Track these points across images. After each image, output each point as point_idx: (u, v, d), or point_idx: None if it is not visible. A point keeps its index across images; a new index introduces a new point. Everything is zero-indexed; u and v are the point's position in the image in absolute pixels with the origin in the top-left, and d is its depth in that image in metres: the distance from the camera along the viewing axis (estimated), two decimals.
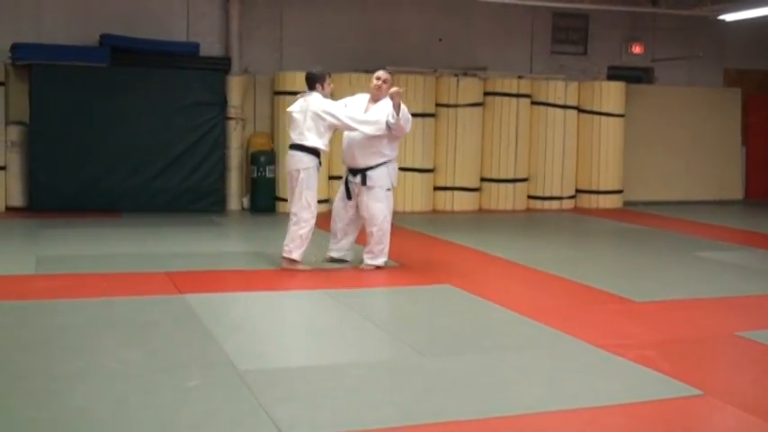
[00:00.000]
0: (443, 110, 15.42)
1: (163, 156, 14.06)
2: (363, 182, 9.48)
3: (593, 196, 16.67)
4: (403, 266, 9.83)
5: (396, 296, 8.64)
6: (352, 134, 9.51)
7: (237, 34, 14.92)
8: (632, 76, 18.18)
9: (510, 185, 16.03)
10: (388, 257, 9.69)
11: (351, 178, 9.63)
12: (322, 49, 15.56)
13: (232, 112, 14.65)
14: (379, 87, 9.49)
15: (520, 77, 16.16)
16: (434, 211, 15.41)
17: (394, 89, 9.25)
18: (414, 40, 16.30)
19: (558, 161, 16.35)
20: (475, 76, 15.71)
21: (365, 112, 9.51)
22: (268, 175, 14.56)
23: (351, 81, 14.58)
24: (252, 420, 4.86)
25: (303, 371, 5.74)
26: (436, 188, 15.58)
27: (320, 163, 9.47)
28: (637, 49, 18.17)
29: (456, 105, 15.45)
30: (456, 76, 15.52)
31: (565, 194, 16.49)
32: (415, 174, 15.13)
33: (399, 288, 8.91)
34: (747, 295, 8.77)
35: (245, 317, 7.47)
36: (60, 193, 13.58)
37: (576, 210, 16.37)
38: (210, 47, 14.96)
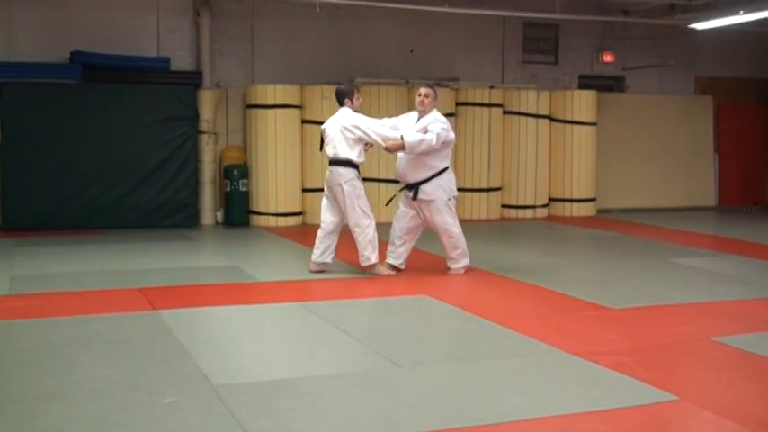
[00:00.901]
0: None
1: (136, 171, 14.03)
2: (415, 196, 9.82)
3: (567, 204, 16.74)
4: (378, 277, 9.84)
5: (372, 307, 8.63)
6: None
7: (208, 48, 14.91)
8: (603, 84, 18.28)
9: (483, 195, 16.07)
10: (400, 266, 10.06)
11: (406, 193, 10.01)
12: (293, 62, 15.58)
13: (204, 126, 14.64)
14: (422, 102, 9.92)
15: (492, 87, 16.23)
16: None
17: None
18: (385, 52, 16.34)
19: (531, 170, 16.41)
20: (447, 86, 15.74)
21: (417, 126, 9.86)
22: (241, 188, 14.55)
23: (323, 93, 14.63)
24: None
25: (279, 384, 5.73)
26: None
27: (359, 174, 9.80)
28: (608, 58, 18.27)
29: None
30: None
31: (538, 203, 16.55)
32: (389, 185, 15.07)
33: (375, 299, 8.91)
34: (722, 300, 8.81)
35: (219, 331, 7.44)
36: (34, 212, 13.51)
37: (549, 218, 16.43)
38: (181, 61, 14.93)
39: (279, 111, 14.57)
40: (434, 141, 9.60)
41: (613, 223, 15.48)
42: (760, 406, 5.50)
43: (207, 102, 14.66)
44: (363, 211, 9.78)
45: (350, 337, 7.10)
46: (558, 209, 16.78)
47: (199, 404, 5.31)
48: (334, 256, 10.13)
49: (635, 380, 5.88)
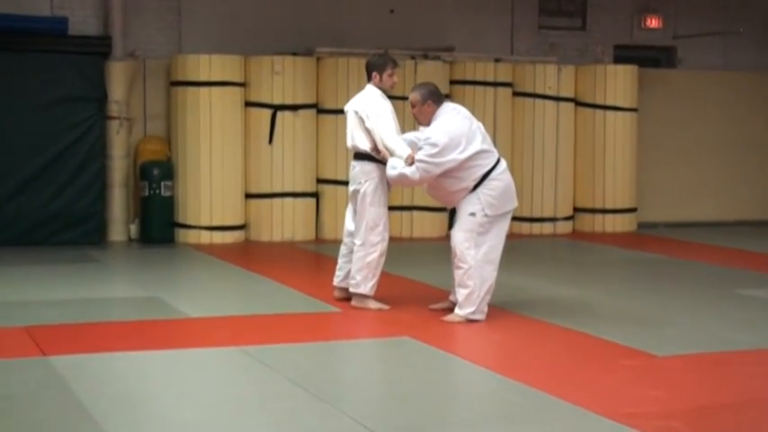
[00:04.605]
0: (397, 103, 15.37)
1: (20, 170, 13.96)
2: (450, 224, 9.83)
3: (598, 216, 16.79)
4: (345, 313, 9.82)
5: (339, 353, 8.62)
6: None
7: (120, 6, 14.82)
8: (647, 57, 18.36)
9: None
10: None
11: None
12: (235, 26, 15.55)
13: (114, 109, 14.58)
14: (415, 116, 9.84)
15: (498, 61, 16.26)
16: None
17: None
18: (358, 12, 16.33)
19: (551, 171, 16.44)
20: (438, 58, 15.76)
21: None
22: (164, 193, 14.50)
23: (274, 67, 14.61)
24: None
25: None
26: (389, 209, 15.53)
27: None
28: (653, 23, 18.34)
29: None
30: (413, 58, 15.54)
31: (560, 215, 16.59)
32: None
33: (343, 343, 8.92)
34: None
35: (132, 386, 7.39)
36: None
37: (575, 234, 16.47)
38: (84, 23, 14.86)
39: (215, 89, 14.55)
40: (417, 178, 9.50)
41: (660, 242, 15.54)
42: None
43: (118, 77, 14.61)
44: (375, 224, 9.90)
45: (308, 394, 7.06)
46: (587, 222, 16.82)
47: None
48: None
49: None
